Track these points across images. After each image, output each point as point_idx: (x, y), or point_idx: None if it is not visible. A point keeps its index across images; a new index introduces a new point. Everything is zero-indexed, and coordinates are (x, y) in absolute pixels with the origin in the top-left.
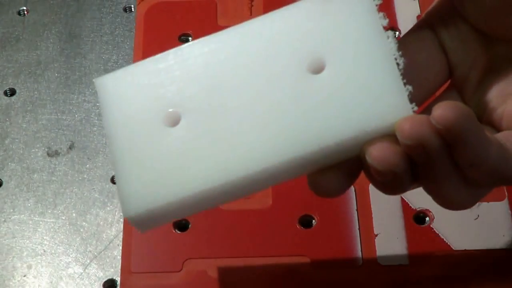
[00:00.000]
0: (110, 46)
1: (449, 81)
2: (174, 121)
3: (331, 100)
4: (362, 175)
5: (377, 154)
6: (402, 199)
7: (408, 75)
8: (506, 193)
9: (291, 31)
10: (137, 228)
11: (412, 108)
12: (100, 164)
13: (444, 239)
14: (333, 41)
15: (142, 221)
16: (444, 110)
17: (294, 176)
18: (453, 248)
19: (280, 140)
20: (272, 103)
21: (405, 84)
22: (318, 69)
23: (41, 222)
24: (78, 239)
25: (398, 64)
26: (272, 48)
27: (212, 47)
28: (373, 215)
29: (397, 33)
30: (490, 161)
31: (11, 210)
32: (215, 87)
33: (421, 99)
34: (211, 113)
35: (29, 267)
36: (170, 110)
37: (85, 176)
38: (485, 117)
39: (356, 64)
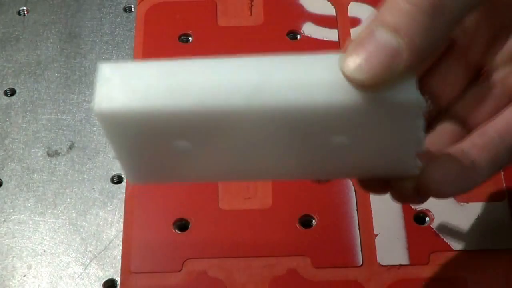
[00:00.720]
0: (110, 46)
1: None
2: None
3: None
4: None
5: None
6: None
7: None
8: (506, 193)
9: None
10: (105, 130)
11: None
12: (100, 164)
13: (444, 239)
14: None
15: (114, 121)
16: None
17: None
18: (453, 248)
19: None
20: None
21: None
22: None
23: (41, 222)
24: (78, 239)
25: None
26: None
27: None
28: (373, 215)
29: None
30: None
31: (11, 210)
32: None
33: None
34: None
35: (29, 267)
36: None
37: (85, 176)
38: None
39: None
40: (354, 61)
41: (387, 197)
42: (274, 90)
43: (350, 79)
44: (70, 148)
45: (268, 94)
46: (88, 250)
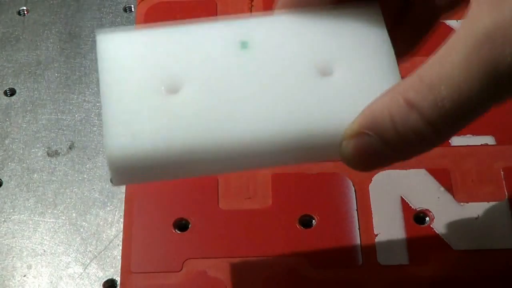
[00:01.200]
0: None
1: None
2: (174, 89)
3: (334, 98)
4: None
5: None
6: (402, 199)
7: None
8: (506, 193)
9: (307, 33)
10: (115, 175)
11: None
12: (100, 164)
13: (444, 239)
14: (343, 48)
15: (123, 166)
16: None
17: (279, 161)
18: (453, 248)
19: (275, 122)
20: (275, 89)
21: None
22: (326, 72)
23: (41, 222)
24: (78, 239)
25: None
26: (287, 43)
27: (225, 30)
28: (373, 215)
29: None
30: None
31: (11, 210)
32: (221, 66)
33: None
34: (212, 88)
35: (29, 267)
36: (172, 77)
37: (85, 176)
38: None
39: (362, 70)
40: None
41: (387, 197)
42: None
43: None
44: (70, 148)
45: None
46: (88, 250)
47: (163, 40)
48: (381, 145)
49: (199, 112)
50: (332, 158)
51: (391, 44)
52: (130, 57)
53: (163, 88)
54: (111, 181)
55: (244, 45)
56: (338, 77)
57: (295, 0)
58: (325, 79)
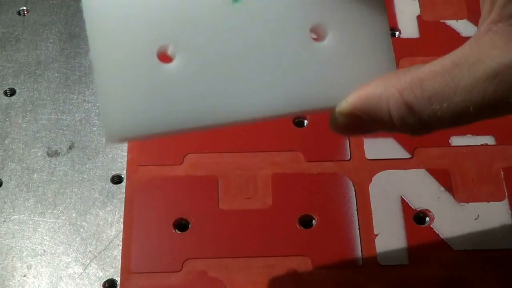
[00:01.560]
0: None
1: None
2: (168, 58)
3: (328, 68)
4: (362, 179)
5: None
6: (402, 199)
7: None
8: (506, 193)
9: None
10: (110, 144)
11: None
12: (100, 164)
13: (444, 239)
14: (339, 13)
15: (120, 140)
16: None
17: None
18: (453, 248)
19: (271, 95)
20: (269, 56)
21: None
22: (320, 36)
23: (41, 222)
24: (78, 239)
25: None
26: (280, 4)
27: None
28: (373, 215)
29: (397, 33)
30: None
31: (11, 210)
32: (214, 30)
33: None
34: (206, 56)
35: (29, 267)
36: (165, 45)
37: (85, 176)
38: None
39: (355, 36)
40: None
41: (387, 197)
42: None
43: None
44: (70, 148)
45: None
46: (88, 250)
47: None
48: (373, 126)
49: (194, 86)
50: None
51: (387, 23)
52: (119, 13)
53: (156, 56)
54: (111, 181)
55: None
56: (331, 43)
57: None
58: (318, 45)
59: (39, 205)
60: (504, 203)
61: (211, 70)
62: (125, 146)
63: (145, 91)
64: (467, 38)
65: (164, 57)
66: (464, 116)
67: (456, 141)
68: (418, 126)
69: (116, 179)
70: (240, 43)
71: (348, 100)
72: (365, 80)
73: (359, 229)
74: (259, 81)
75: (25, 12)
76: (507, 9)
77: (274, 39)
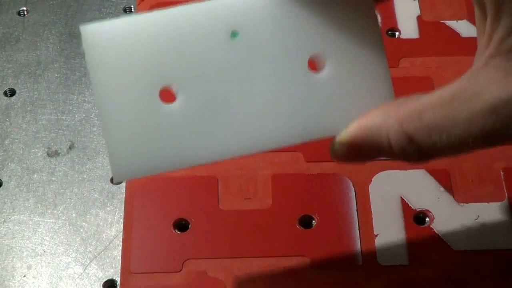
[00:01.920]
0: None
1: None
2: (170, 98)
3: (327, 99)
4: (362, 179)
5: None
6: (402, 199)
7: None
8: (506, 193)
9: (299, 23)
10: (118, 181)
11: None
12: (100, 164)
13: (444, 239)
14: (336, 44)
15: (127, 177)
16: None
17: None
18: (453, 248)
19: (272, 128)
20: (269, 90)
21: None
22: (318, 67)
23: (41, 222)
24: (78, 239)
25: None
26: (278, 33)
27: (215, 17)
28: (373, 215)
29: (397, 33)
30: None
31: (11, 210)
32: (214, 67)
33: None
34: (207, 94)
35: (29, 267)
36: (167, 85)
37: (85, 176)
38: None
39: (353, 66)
40: None
41: (387, 197)
42: None
43: None
44: (70, 148)
45: None
46: (88, 250)
47: (152, 30)
48: (372, 155)
49: (196, 125)
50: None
51: (384, 52)
52: (120, 51)
53: (159, 97)
54: (111, 181)
55: (234, 35)
56: (329, 74)
57: None
58: (316, 76)
59: (39, 205)
60: (504, 203)
61: (213, 108)
62: None
63: (149, 132)
64: (467, 39)
65: (167, 94)
66: (463, 147)
67: None
68: (417, 155)
69: None
70: (240, 78)
71: (348, 130)
72: (364, 110)
73: (359, 229)
74: (260, 116)
75: (25, 12)
76: (504, 43)
77: (273, 72)
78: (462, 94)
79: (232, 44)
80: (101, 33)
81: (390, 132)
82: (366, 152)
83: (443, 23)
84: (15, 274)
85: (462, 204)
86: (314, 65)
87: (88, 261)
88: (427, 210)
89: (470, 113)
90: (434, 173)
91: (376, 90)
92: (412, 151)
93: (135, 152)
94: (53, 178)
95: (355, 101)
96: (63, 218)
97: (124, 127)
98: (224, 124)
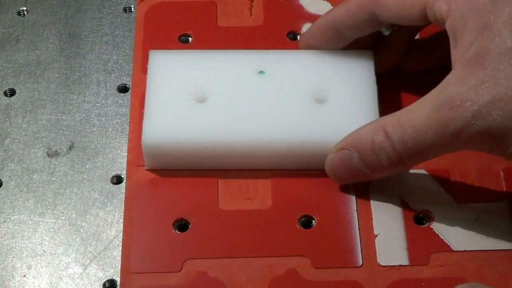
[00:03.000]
0: (110, 46)
1: None
2: (202, 100)
3: (327, 122)
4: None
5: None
6: (402, 199)
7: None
8: (506, 193)
9: (311, 68)
10: (147, 157)
11: None
12: (100, 164)
13: (444, 240)
14: (338, 83)
15: (154, 151)
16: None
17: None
18: (453, 248)
19: (278, 135)
20: (281, 110)
21: None
22: (321, 100)
23: (41, 222)
24: (78, 239)
25: None
26: (294, 74)
27: (249, 59)
28: (373, 215)
29: None
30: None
31: (11, 210)
32: (240, 86)
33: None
34: (231, 102)
35: (29, 267)
36: (201, 91)
37: (85, 176)
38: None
39: (349, 98)
40: None
41: (387, 197)
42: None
43: None
44: (70, 148)
45: None
46: (88, 250)
47: (198, 62)
48: (359, 161)
49: (218, 119)
50: (318, 167)
51: (376, 87)
52: (172, 71)
53: (193, 98)
54: (111, 181)
55: (261, 72)
56: (330, 105)
57: (312, 42)
58: (319, 106)
59: (39, 205)
60: (504, 203)
61: (231, 111)
62: (125, 146)
63: (178, 116)
64: None
65: (199, 99)
66: (425, 143)
67: None
68: (393, 153)
69: (116, 180)
70: (259, 102)
71: (342, 140)
72: (355, 127)
73: (359, 229)
74: (271, 129)
75: (25, 13)
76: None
77: (287, 100)
78: (429, 97)
79: (258, 77)
80: (164, 60)
81: (374, 132)
82: (354, 160)
83: None
84: (15, 274)
85: (462, 204)
86: (319, 98)
87: (88, 261)
88: (427, 211)
89: (430, 108)
90: (434, 173)
91: (366, 112)
92: (388, 147)
93: (165, 125)
94: (53, 178)
95: (349, 121)
96: (63, 218)
97: (160, 113)
98: (237, 123)
